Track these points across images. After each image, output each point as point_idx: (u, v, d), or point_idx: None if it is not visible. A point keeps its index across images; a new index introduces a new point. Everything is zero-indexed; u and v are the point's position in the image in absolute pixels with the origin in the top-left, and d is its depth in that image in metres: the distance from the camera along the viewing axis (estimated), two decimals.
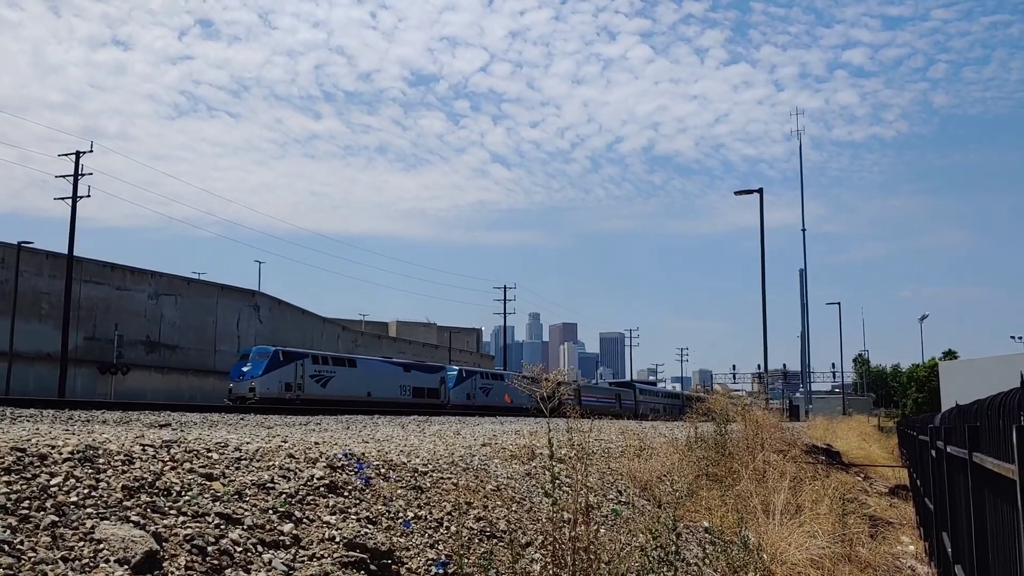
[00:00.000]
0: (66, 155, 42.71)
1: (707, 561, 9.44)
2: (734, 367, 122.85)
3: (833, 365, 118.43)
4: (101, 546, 4.41)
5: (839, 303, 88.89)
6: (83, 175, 42.57)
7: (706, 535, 10.44)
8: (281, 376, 36.35)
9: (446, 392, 46.69)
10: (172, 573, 4.49)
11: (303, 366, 37.65)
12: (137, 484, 5.26)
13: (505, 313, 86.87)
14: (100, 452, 5.62)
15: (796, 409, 66.28)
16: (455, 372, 48.59)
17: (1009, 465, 3.62)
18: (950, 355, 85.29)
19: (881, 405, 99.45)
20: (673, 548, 6.32)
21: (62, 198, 42.44)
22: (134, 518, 4.81)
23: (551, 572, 5.74)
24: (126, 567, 4.32)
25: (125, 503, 4.97)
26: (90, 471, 5.25)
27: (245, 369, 36.36)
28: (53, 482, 4.92)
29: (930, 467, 10.45)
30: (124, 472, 5.39)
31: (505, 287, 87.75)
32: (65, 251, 41.37)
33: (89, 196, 42.87)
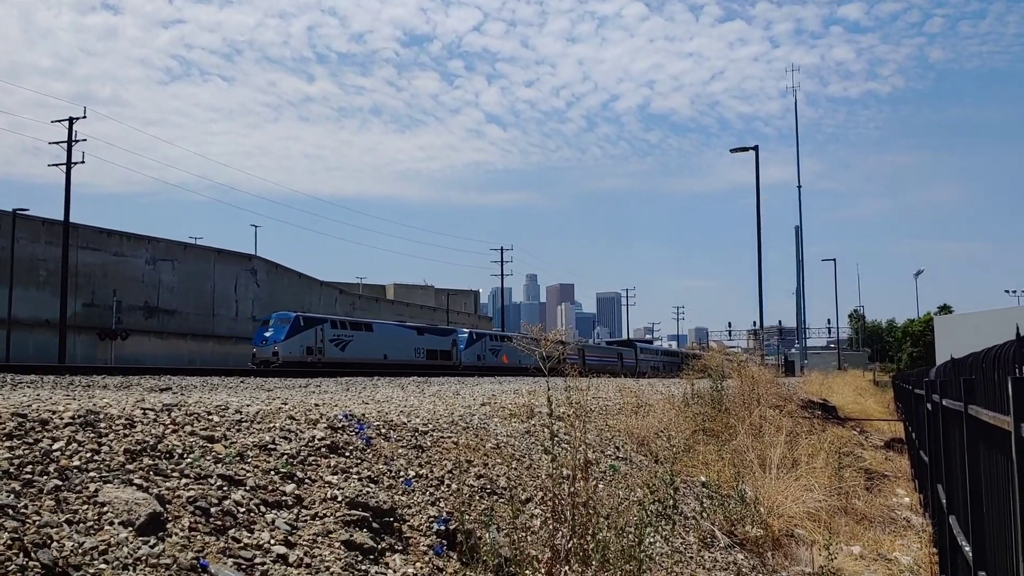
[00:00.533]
0: (59, 121, 42.43)
1: (704, 515, 9.56)
2: (730, 324, 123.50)
3: (828, 321, 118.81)
4: (105, 509, 4.45)
5: (834, 259, 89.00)
6: (77, 141, 42.30)
7: (703, 489, 10.55)
8: (302, 340, 37.47)
9: (458, 354, 47.66)
10: (176, 534, 4.54)
11: (323, 331, 38.73)
12: (139, 447, 5.29)
13: (503, 275, 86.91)
14: (101, 416, 5.65)
15: (792, 365, 66.56)
16: (466, 335, 49.61)
17: (1005, 417, 3.65)
18: (945, 310, 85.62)
19: (876, 360, 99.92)
20: (671, 502, 6.40)
21: (56, 164, 42.20)
22: (137, 481, 4.86)
23: (551, 527, 5.81)
24: (130, 529, 4.36)
25: (127, 466, 5.01)
26: (92, 435, 5.28)
27: (268, 334, 37.42)
28: (55, 447, 4.95)
29: (925, 420, 10.53)
30: (126, 436, 5.42)
31: (502, 248, 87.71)
32: (60, 218, 41.21)
33: (83, 162, 42.73)
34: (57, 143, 42.28)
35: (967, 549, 5.57)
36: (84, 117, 42.58)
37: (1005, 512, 3.89)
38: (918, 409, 13.12)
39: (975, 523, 5.19)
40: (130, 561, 4.13)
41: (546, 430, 6.31)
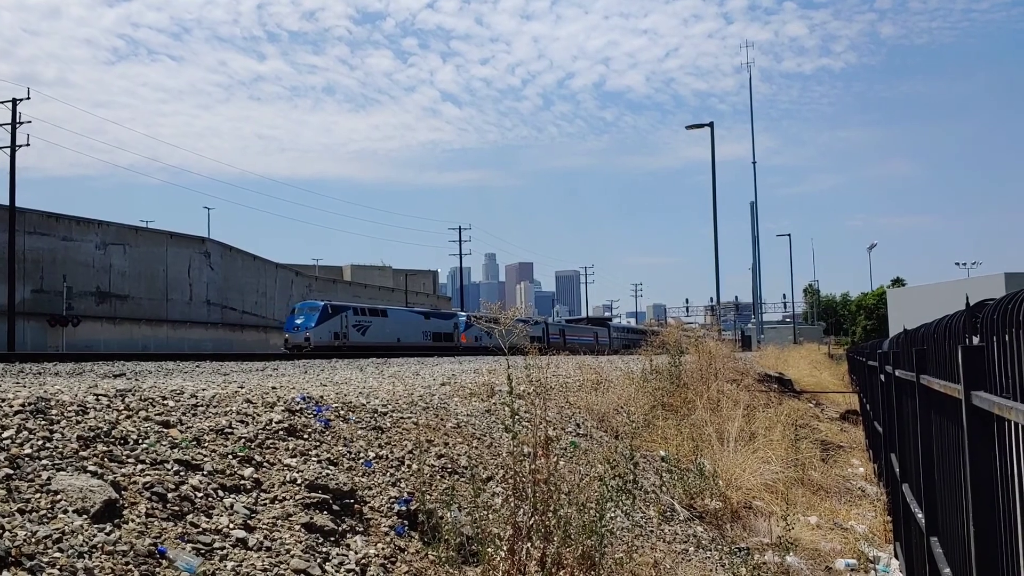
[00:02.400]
0: (2, 103, 41.30)
1: (664, 489, 9.66)
2: (687, 300, 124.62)
3: (784, 295, 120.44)
4: (59, 497, 4.37)
5: (790, 235, 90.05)
6: (21, 123, 41.21)
7: (663, 464, 10.66)
8: (330, 326, 41.23)
9: (458, 336, 51.09)
10: (133, 521, 4.47)
11: (347, 317, 42.62)
12: (92, 434, 5.20)
13: (461, 254, 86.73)
14: (53, 403, 5.54)
15: (748, 339, 67.61)
16: (464, 318, 53.09)
17: (955, 385, 3.72)
18: (898, 283, 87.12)
19: (831, 333, 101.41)
20: (631, 477, 6.44)
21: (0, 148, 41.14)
22: (91, 468, 4.77)
23: (512, 504, 5.82)
24: (85, 516, 4.29)
25: (81, 453, 4.92)
26: (43, 423, 5.18)
27: (298, 322, 41.13)
28: (5, 435, 4.85)
29: (879, 391, 10.73)
30: (79, 423, 5.32)
31: (460, 228, 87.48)
32: (5, 202, 40.20)
33: (28, 145, 41.60)
34: (0, 125, 41.21)
35: (920, 516, 5.69)
36: (28, 98, 41.52)
37: (956, 479, 3.97)
38: (872, 381, 13.36)
39: (927, 490, 5.30)
40: (85, 549, 4.06)
41: (507, 408, 6.31)
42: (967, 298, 3.98)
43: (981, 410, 3.21)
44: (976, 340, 3.53)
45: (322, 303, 42.47)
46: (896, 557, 8.62)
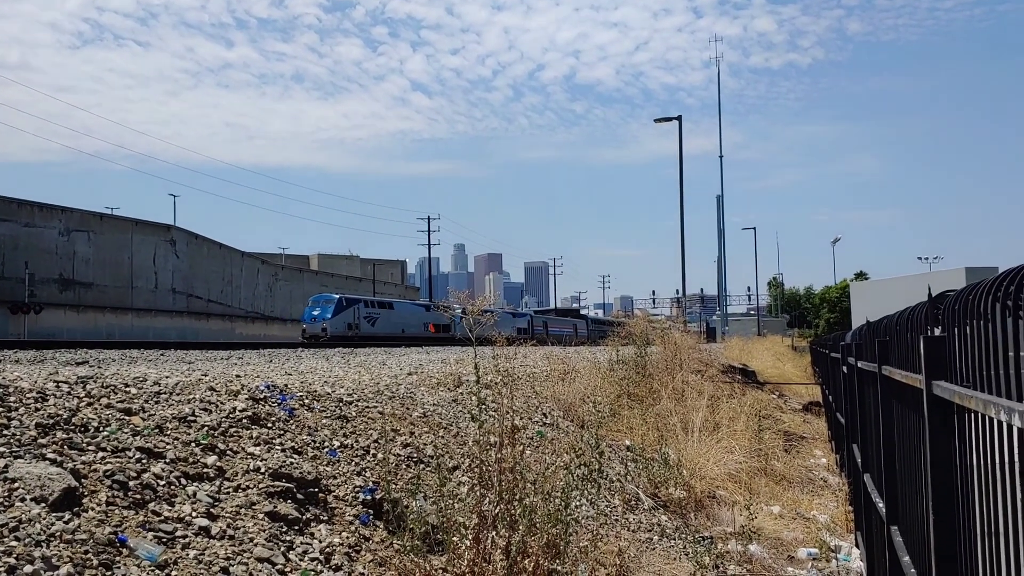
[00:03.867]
0: None
1: (629, 478, 9.71)
2: (654, 292, 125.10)
3: (749, 288, 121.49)
4: (16, 485, 4.29)
5: (755, 228, 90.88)
6: None
7: (628, 453, 10.72)
8: (345, 318, 44.90)
9: (455, 327, 52.68)
10: (93, 509, 4.41)
11: (359, 310, 46.30)
12: (52, 421, 5.12)
13: (429, 244, 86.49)
14: (11, 390, 5.45)
15: (713, 331, 68.14)
16: (459, 310, 55.35)
17: (916, 375, 3.76)
18: (861, 276, 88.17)
19: (795, 326, 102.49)
20: (596, 466, 6.46)
21: None
22: (50, 456, 4.70)
23: (478, 493, 5.82)
24: (43, 505, 4.22)
25: (40, 441, 4.84)
26: (1, 410, 5.09)
27: (316, 313, 44.68)
28: None
29: (841, 383, 10.85)
30: (38, 410, 5.24)
31: (429, 218, 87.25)
32: None
33: None
34: None
35: (881, 505, 5.76)
36: None
37: (916, 468, 4.02)
38: (834, 372, 13.51)
39: (888, 480, 5.37)
40: (43, 537, 4.00)
41: (473, 398, 6.30)
42: (929, 289, 4.03)
43: (942, 399, 3.25)
44: (938, 331, 3.57)
45: (337, 296, 46.06)
46: (857, 546, 8.73)
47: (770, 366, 36.91)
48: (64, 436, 4.99)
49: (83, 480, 4.60)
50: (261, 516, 5.15)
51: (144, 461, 5.08)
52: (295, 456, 6.06)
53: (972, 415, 2.84)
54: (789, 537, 9.39)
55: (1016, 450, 2.27)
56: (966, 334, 2.92)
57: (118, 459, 4.97)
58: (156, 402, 6.09)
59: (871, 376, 6.29)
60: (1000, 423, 2.40)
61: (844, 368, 9.94)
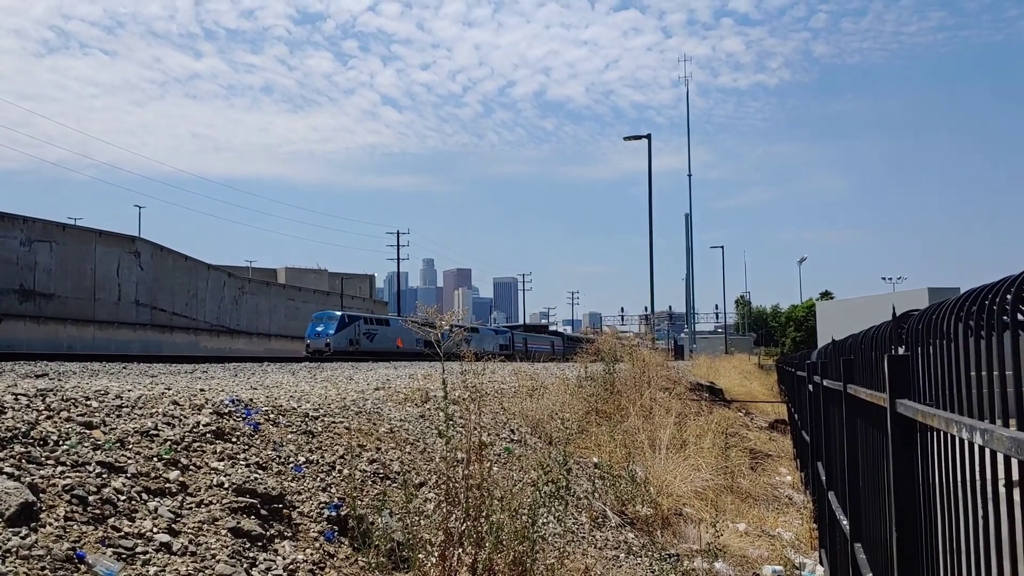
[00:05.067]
0: None
1: (597, 495, 9.70)
2: (622, 309, 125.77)
3: (716, 306, 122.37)
4: None
5: (722, 247, 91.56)
6: None
7: (596, 470, 10.71)
8: (347, 334, 47.35)
9: (443, 343, 55.62)
10: (51, 524, 4.32)
11: (359, 326, 48.81)
12: (9, 435, 5.02)
13: (399, 259, 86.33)
14: None
15: (681, 349, 68.69)
16: (448, 328, 59.43)
17: (880, 394, 3.80)
18: (826, 296, 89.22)
19: (761, 344, 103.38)
20: (564, 483, 6.45)
21: None
22: (7, 470, 4.60)
23: (444, 510, 5.78)
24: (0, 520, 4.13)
25: None
26: None
27: (319, 329, 47.30)
28: None
29: (807, 401, 10.93)
30: None
31: (398, 232, 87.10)
32: None
33: None
34: None
35: (845, 523, 5.80)
36: None
37: (880, 486, 4.05)
38: (800, 390, 13.62)
39: (852, 497, 5.41)
40: None
41: (441, 413, 6.28)
42: (893, 309, 4.07)
43: (905, 418, 3.28)
44: (902, 350, 3.61)
45: (339, 313, 49.09)
46: (821, 563, 8.78)
47: (737, 384, 37.14)
48: (22, 450, 4.90)
49: (41, 495, 4.51)
50: (224, 532, 5.07)
51: (105, 476, 5.00)
52: (260, 471, 5.99)
53: (935, 433, 2.87)
54: (754, 554, 9.42)
55: (978, 467, 2.29)
56: (929, 353, 2.96)
57: (78, 473, 4.88)
58: (118, 416, 6.00)
59: (836, 394, 6.35)
60: (962, 441, 2.42)
61: (810, 386, 10.02)
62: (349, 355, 43.27)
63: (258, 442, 6.52)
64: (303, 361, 30.62)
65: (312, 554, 5.40)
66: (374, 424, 8.35)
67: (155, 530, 4.74)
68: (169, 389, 7.86)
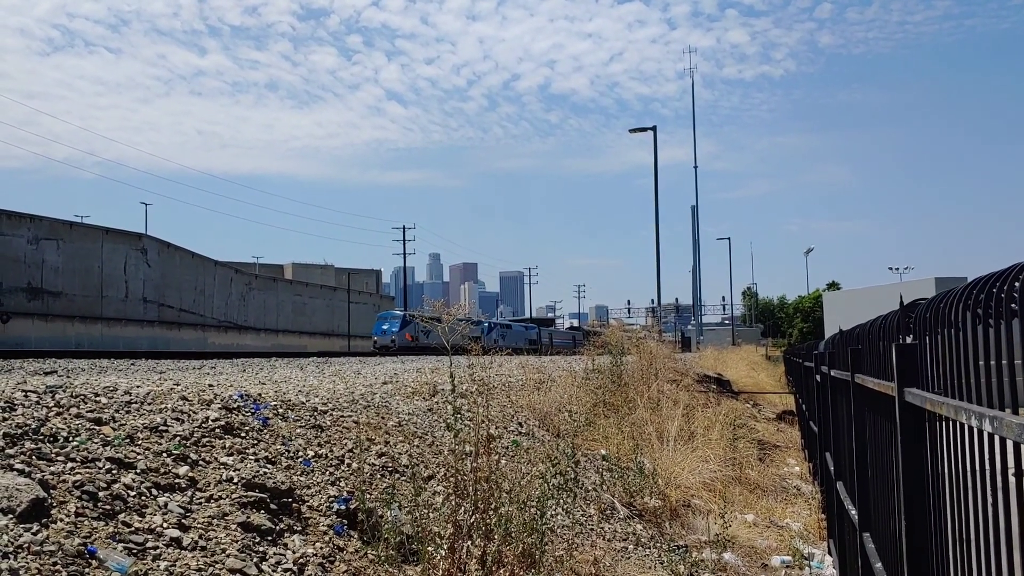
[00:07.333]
0: None
1: (604, 487, 9.71)
2: (629, 302, 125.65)
3: (723, 298, 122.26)
4: None
5: (729, 238, 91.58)
6: None
7: (603, 462, 10.71)
8: (409, 331, 51.65)
9: (484, 338, 58.72)
10: (62, 520, 4.34)
11: (418, 325, 51.84)
12: (20, 431, 5.04)
13: (405, 253, 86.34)
14: None
15: (688, 341, 68.57)
16: (486, 324, 62.07)
17: (888, 383, 3.79)
18: (833, 286, 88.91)
19: (768, 335, 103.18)
20: (572, 475, 6.46)
21: None
22: (18, 466, 4.62)
23: (453, 503, 5.80)
24: (11, 516, 4.16)
25: (7, 451, 4.76)
26: None
27: (385, 327, 51.97)
28: None
29: (815, 392, 10.92)
30: (5, 420, 5.16)
31: (404, 227, 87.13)
32: None
33: None
34: None
35: (853, 513, 5.80)
36: None
37: (888, 475, 4.05)
38: (808, 381, 13.60)
39: (861, 487, 5.41)
40: (11, 549, 3.93)
41: (449, 407, 6.28)
42: (901, 298, 4.06)
43: (913, 406, 3.28)
44: (910, 339, 3.60)
45: (401, 312, 53.73)
46: (830, 553, 8.78)
47: (744, 375, 37.11)
48: (32, 446, 4.92)
49: (52, 491, 4.53)
50: (234, 527, 5.09)
51: (114, 471, 5.02)
52: (269, 466, 6.00)
53: (944, 421, 2.86)
54: (763, 545, 9.43)
55: (987, 455, 2.29)
56: (937, 342, 2.95)
57: (88, 469, 4.90)
58: (127, 412, 6.02)
59: (844, 384, 6.34)
60: (972, 428, 2.42)
61: (817, 377, 10.01)
62: (411, 350, 48.14)
63: (267, 437, 6.54)
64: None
65: (322, 548, 5.42)
66: (382, 418, 8.36)
67: (165, 525, 4.76)
68: (178, 385, 7.89)
